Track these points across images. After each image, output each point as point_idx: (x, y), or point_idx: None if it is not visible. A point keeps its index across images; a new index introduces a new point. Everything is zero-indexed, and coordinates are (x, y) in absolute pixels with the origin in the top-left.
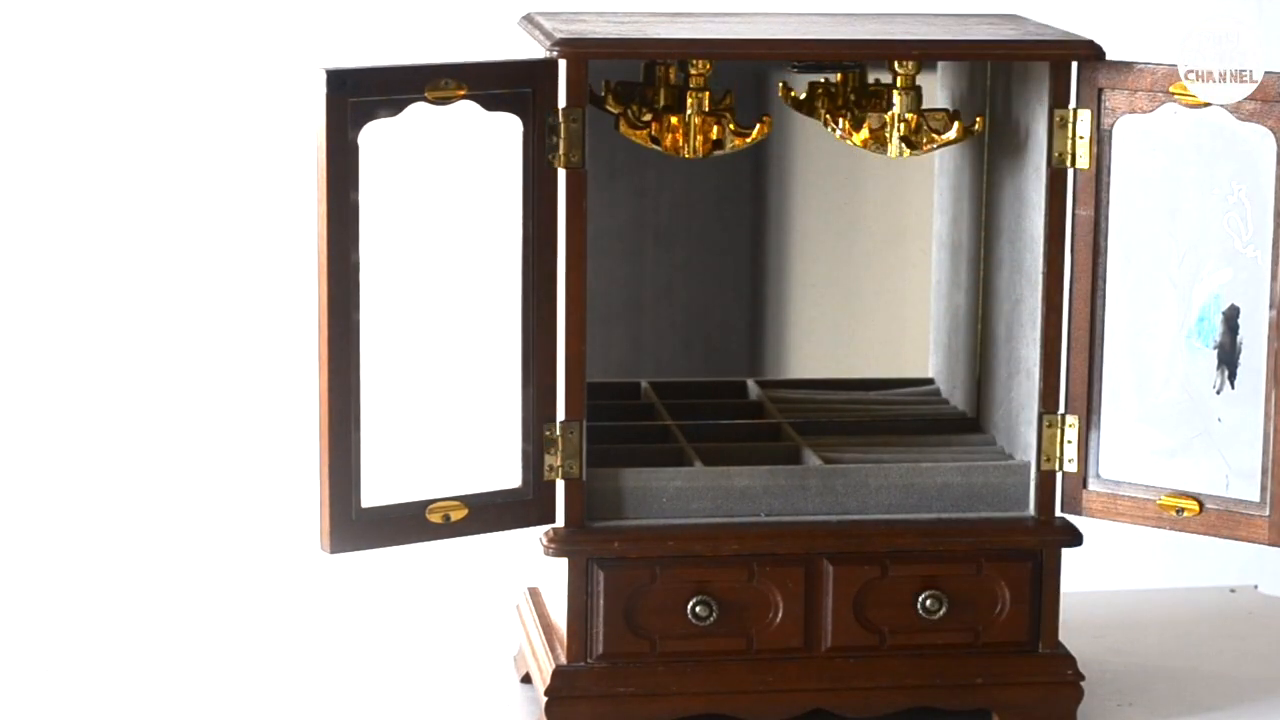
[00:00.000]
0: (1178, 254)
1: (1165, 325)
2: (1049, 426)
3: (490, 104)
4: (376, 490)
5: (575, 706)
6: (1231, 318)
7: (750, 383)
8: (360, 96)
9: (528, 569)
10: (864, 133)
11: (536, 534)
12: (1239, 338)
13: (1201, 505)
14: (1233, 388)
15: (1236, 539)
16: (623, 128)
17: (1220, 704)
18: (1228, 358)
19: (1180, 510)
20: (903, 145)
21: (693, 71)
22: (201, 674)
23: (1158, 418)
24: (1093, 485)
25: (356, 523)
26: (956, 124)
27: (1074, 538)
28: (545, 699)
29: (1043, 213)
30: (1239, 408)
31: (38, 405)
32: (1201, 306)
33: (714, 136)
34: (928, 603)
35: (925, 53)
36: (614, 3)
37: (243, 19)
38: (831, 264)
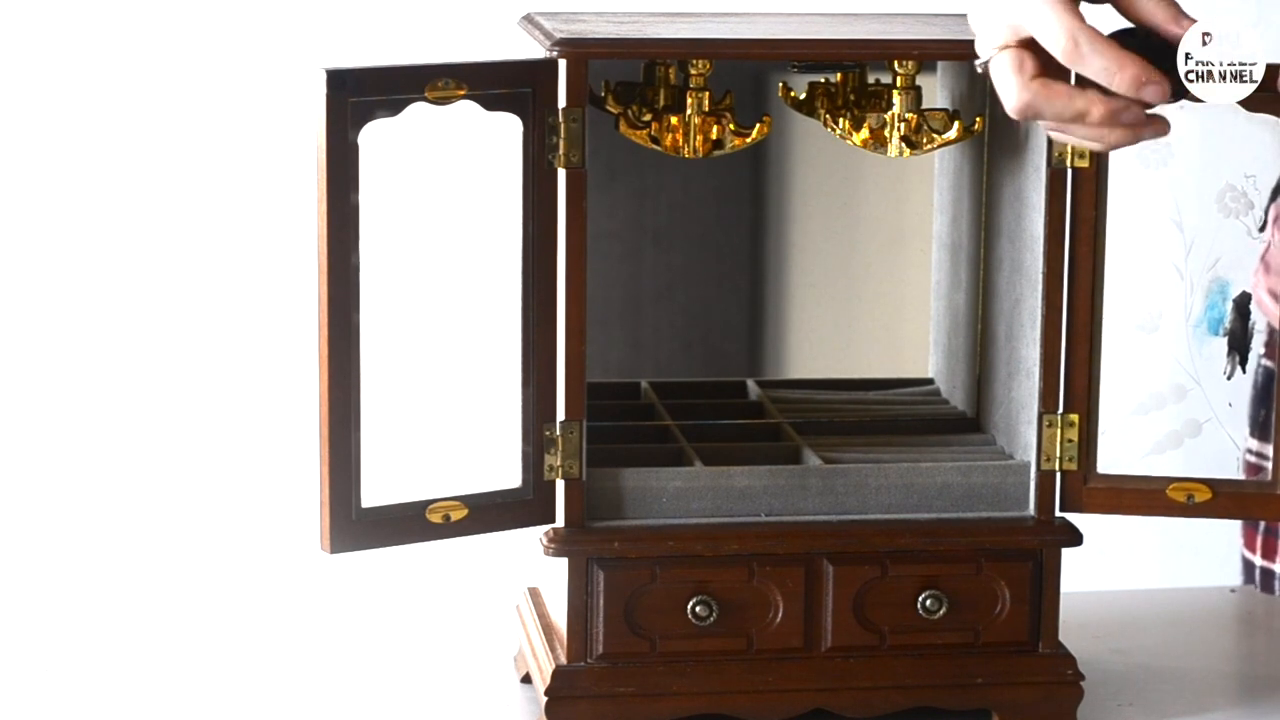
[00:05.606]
0: (1185, 244)
1: (1171, 316)
2: (1049, 426)
3: (490, 104)
4: (376, 490)
5: (575, 706)
6: (1243, 304)
7: (750, 383)
8: (360, 96)
9: (528, 569)
10: (864, 133)
11: (536, 534)
12: (1251, 323)
13: (1214, 490)
14: (1244, 372)
15: (1253, 519)
16: (623, 128)
17: (1220, 704)
18: (1239, 344)
19: (1191, 497)
20: (903, 145)
21: (693, 71)
22: (201, 674)
23: (1163, 408)
24: (1094, 482)
25: (356, 523)
26: (956, 124)
27: (1074, 538)
28: (545, 699)
29: (1043, 213)
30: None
31: (37, 406)
32: (1209, 295)
33: (714, 136)
34: (928, 603)
35: (925, 53)
36: (614, 3)
37: (243, 19)
38: (831, 264)
